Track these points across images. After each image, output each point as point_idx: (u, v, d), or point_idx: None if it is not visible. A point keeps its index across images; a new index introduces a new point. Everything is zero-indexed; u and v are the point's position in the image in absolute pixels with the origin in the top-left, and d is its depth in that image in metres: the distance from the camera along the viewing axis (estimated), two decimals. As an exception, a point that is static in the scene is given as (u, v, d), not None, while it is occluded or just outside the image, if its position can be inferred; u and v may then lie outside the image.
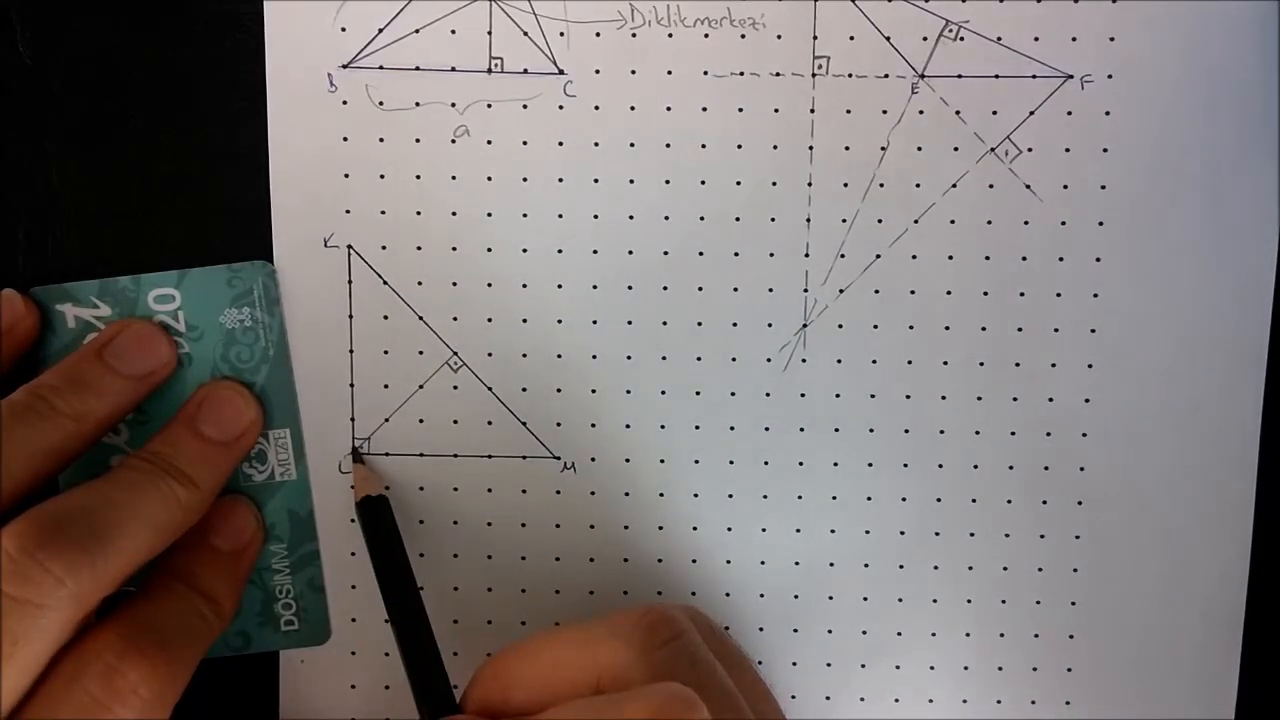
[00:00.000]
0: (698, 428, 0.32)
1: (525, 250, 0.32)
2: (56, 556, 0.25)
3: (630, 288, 0.32)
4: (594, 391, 0.32)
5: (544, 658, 0.27)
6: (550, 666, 0.26)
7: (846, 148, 0.32)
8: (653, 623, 0.27)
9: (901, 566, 0.33)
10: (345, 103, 0.31)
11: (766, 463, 0.32)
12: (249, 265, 0.31)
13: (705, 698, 0.25)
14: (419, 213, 0.32)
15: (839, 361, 0.32)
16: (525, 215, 0.32)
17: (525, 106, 0.31)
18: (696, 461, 0.32)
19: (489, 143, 0.31)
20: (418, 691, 0.28)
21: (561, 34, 0.31)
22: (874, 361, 0.32)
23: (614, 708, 0.24)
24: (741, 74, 0.31)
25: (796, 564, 0.33)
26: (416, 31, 0.31)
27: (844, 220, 0.32)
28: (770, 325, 0.32)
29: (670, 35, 0.31)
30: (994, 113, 0.31)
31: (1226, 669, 0.33)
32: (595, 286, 0.32)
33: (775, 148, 0.32)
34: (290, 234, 0.31)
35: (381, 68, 0.31)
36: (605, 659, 0.26)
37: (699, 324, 0.32)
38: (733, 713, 0.26)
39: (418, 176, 0.32)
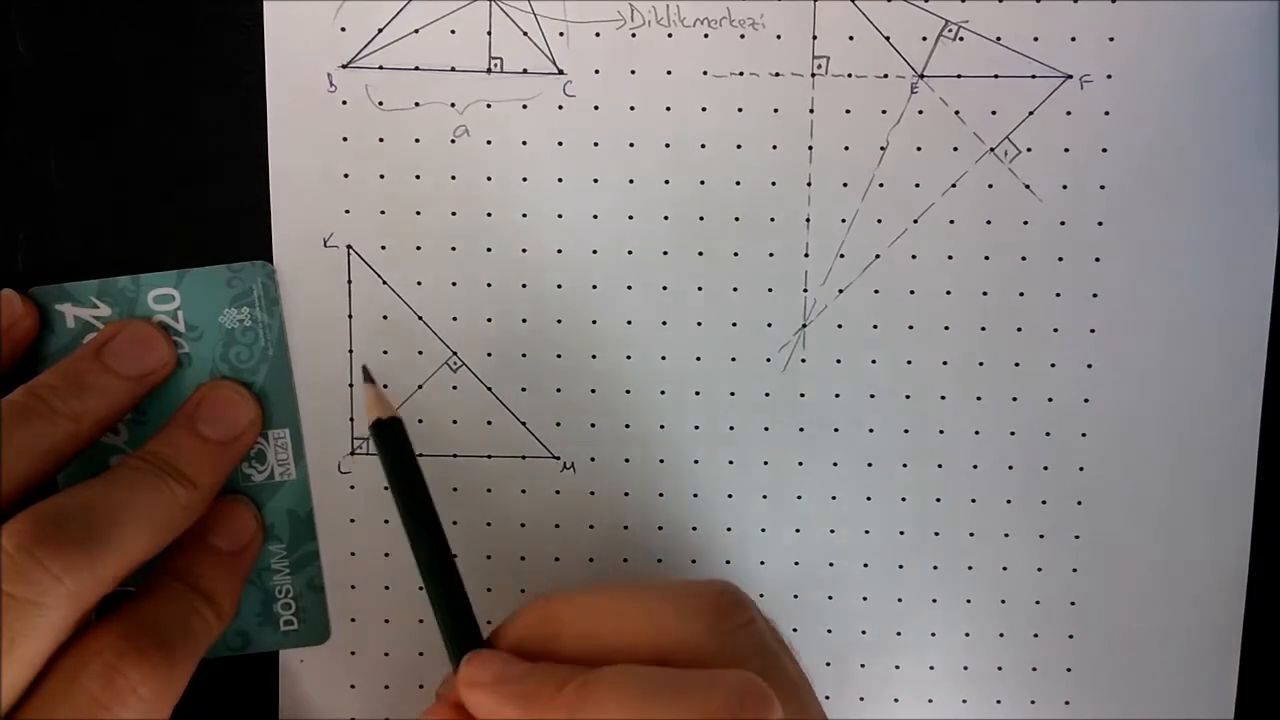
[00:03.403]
0: (697, 428, 0.32)
1: (525, 250, 0.32)
2: (55, 555, 0.25)
3: (630, 288, 0.32)
4: (594, 391, 0.32)
5: (606, 614, 0.26)
6: (612, 625, 0.25)
7: (846, 148, 0.32)
8: (727, 605, 0.26)
9: (901, 566, 0.33)
10: (345, 103, 0.31)
11: (766, 463, 0.32)
12: (249, 265, 0.31)
13: (773, 686, 0.24)
14: (419, 213, 0.32)
15: (838, 361, 0.32)
16: (525, 215, 0.32)
17: (525, 106, 0.31)
18: (696, 461, 0.32)
19: (489, 143, 0.31)
20: (446, 626, 0.27)
21: (561, 34, 0.31)
22: (874, 361, 0.32)
23: (689, 686, 0.23)
24: (741, 74, 0.31)
25: (796, 564, 0.33)
26: (416, 31, 0.31)
27: (843, 220, 0.32)
28: (770, 325, 0.32)
29: (670, 35, 0.31)
30: (993, 113, 0.31)
31: (1226, 669, 0.33)
32: (595, 286, 0.32)
33: (775, 148, 0.32)
34: (290, 234, 0.31)
35: (381, 68, 0.31)
36: (675, 632, 0.25)
37: (699, 324, 0.32)
38: (797, 702, 0.25)
39: (418, 176, 0.32)
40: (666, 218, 0.32)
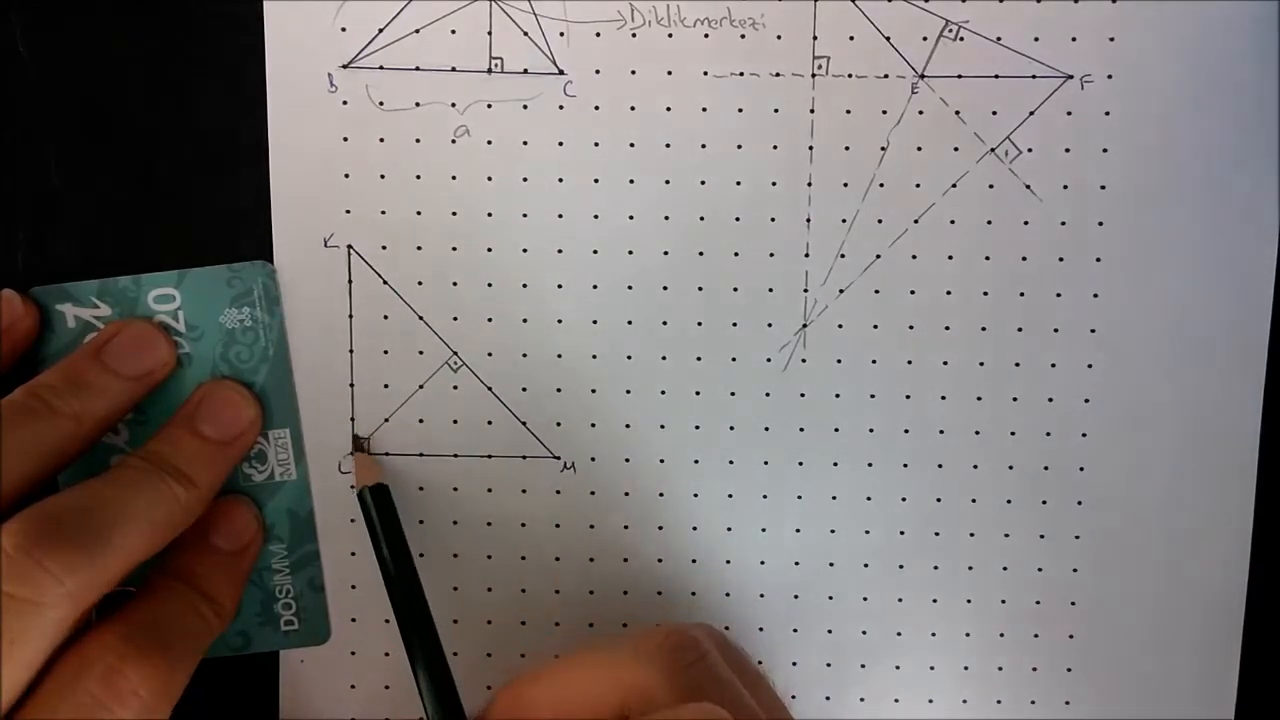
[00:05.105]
0: (698, 428, 0.32)
1: (525, 250, 0.32)
2: (54, 555, 0.25)
3: (630, 288, 0.32)
4: (594, 391, 0.32)
5: (566, 682, 0.27)
6: (574, 690, 0.26)
7: (846, 148, 0.32)
8: (677, 644, 0.26)
9: (901, 566, 0.33)
10: (345, 103, 0.31)
11: (766, 463, 0.32)
12: (249, 265, 0.31)
13: (731, 714, 0.25)
14: (419, 213, 0.32)
15: (839, 361, 0.32)
16: (525, 215, 0.32)
17: (525, 106, 0.31)
18: (696, 461, 0.32)
19: (489, 143, 0.31)
20: (433, 704, 0.28)
21: (561, 34, 0.31)
22: (874, 361, 0.32)
23: None
24: (741, 74, 0.31)
25: (796, 564, 0.33)
26: (416, 31, 0.31)
27: (844, 220, 0.32)
28: (770, 325, 0.32)
29: (670, 35, 0.31)
30: (994, 113, 0.31)
31: (1226, 669, 0.33)
32: (595, 286, 0.32)
33: (775, 148, 0.32)
34: (290, 234, 0.31)
35: (381, 68, 0.31)
36: (631, 681, 0.26)
37: (699, 324, 0.32)
38: None
39: (418, 176, 0.32)
40: (667, 218, 0.32)
